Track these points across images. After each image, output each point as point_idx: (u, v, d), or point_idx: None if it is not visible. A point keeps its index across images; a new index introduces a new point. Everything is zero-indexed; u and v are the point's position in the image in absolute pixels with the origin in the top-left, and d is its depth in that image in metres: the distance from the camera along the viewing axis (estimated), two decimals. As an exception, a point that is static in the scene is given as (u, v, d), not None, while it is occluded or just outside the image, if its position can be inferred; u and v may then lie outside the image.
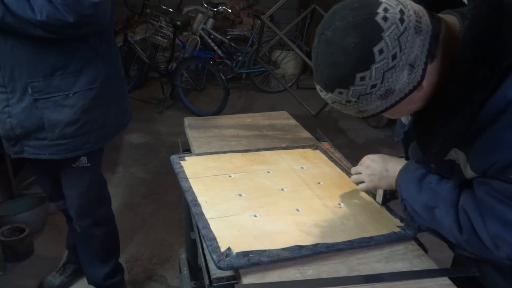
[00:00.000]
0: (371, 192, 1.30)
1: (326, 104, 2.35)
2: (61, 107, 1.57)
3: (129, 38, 4.76)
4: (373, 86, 0.78)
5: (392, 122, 4.47)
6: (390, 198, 1.23)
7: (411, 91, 0.80)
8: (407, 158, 1.15)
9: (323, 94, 0.85)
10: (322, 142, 1.72)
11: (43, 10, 1.37)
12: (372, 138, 4.27)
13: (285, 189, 1.33)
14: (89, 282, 2.10)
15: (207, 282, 1.04)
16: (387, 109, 0.83)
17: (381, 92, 0.79)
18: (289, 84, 5.41)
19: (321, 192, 1.32)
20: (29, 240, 2.44)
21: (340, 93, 0.81)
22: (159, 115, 4.67)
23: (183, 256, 2.03)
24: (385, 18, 0.75)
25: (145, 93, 5.24)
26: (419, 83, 0.80)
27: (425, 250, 1.11)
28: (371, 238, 1.10)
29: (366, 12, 0.76)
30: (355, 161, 1.32)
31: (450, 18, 0.85)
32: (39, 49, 1.49)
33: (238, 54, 5.20)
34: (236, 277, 1.01)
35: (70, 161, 1.73)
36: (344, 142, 4.12)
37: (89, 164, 1.76)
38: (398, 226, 1.15)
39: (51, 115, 1.57)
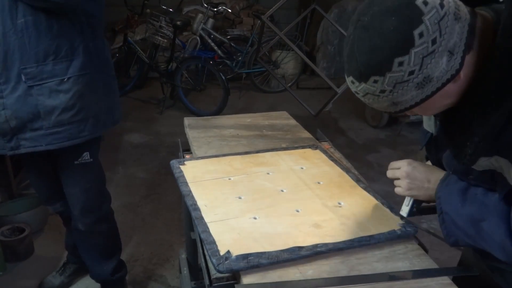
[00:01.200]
0: (375, 193, 1.29)
1: (326, 104, 2.35)
2: (56, 93, 1.56)
3: (129, 38, 4.76)
4: (411, 72, 0.76)
5: (392, 122, 4.48)
6: (416, 212, 1.16)
7: (448, 80, 0.78)
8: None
9: (355, 86, 0.83)
10: (322, 142, 1.71)
11: None
12: (372, 138, 4.26)
13: (284, 190, 1.32)
14: (97, 280, 2.11)
15: (207, 282, 1.04)
16: (422, 101, 0.80)
17: (418, 80, 0.77)
18: (289, 84, 5.41)
19: (321, 191, 1.32)
20: (29, 240, 2.44)
21: (375, 81, 0.79)
22: (159, 115, 4.67)
23: (183, 256, 2.03)
24: (425, 2, 0.74)
25: (145, 93, 5.24)
26: (458, 71, 0.77)
27: (425, 250, 1.11)
28: (371, 236, 1.10)
29: None
30: (355, 161, 1.32)
31: (483, 13, 0.83)
32: (30, 34, 1.48)
33: (238, 54, 5.20)
34: (236, 277, 1.01)
35: (72, 159, 1.73)
36: (344, 142, 4.11)
37: (91, 160, 1.76)
38: (398, 224, 1.15)
39: (46, 101, 1.55)
